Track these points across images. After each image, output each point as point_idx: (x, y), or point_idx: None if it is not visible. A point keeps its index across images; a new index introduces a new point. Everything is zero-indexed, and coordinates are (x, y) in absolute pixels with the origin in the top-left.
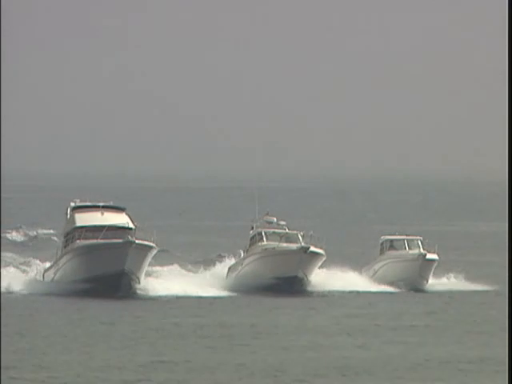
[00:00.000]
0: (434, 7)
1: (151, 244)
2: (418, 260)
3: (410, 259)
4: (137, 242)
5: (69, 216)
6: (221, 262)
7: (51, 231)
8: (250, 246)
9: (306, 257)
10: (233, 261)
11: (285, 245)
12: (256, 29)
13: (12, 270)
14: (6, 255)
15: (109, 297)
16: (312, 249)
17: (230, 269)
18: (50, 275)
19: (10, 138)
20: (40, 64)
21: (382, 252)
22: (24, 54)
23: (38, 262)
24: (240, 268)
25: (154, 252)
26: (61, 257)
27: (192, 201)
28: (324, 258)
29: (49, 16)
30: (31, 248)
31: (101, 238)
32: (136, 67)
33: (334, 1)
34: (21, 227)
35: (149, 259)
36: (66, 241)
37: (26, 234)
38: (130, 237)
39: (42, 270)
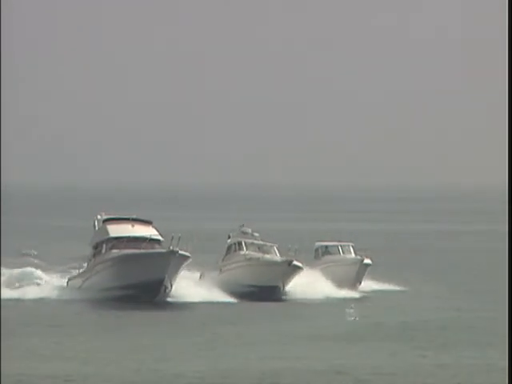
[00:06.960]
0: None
1: (188, 254)
2: (356, 264)
3: (349, 263)
4: (179, 252)
5: (97, 228)
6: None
7: None
8: (227, 254)
9: (289, 269)
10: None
11: (269, 256)
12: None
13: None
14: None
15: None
16: (295, 262)
17: (202, 274)
18: (76, 283)
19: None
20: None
21: (317, 257)
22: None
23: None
24: (218, 273)
25: (189, 261)
26: (94, 265)
27: None
28: (302, 271)
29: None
30: None
31: (139, 249)
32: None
33: None
34: None
35: (183, 267)
36: (96, 251)
37: None
38: (171, 247)
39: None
